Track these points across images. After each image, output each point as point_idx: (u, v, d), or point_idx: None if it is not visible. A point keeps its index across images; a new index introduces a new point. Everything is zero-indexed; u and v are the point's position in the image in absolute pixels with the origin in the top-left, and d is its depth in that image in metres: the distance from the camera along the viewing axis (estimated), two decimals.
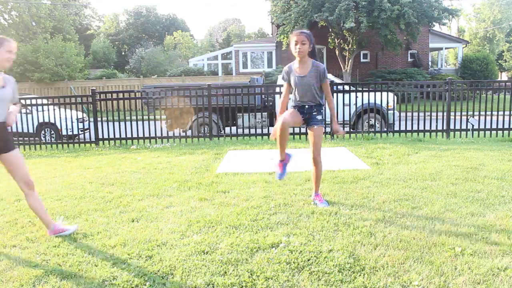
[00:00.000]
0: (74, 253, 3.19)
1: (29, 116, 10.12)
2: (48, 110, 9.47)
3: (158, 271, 2.82)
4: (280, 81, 11.41)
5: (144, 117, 10.43)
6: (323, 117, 4.16)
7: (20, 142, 9.49)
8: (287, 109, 4.19)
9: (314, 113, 4.06)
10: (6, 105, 3.40)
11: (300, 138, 9.14)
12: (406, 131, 9.10)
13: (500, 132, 8.95)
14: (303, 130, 9.82)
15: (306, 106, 4.06)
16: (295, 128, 9.89)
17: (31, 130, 9.86)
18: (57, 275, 2.81)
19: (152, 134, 9.68)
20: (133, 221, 3.87)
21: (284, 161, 4.17)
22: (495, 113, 8.96)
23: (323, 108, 4.15)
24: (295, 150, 7.53)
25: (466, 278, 2.63)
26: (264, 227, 3.57)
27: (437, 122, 8.94)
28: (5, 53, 3.24)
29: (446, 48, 29.32)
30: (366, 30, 19.05)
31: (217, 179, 5.43)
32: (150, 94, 9.42)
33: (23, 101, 9.95)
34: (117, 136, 9.32)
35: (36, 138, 9.86)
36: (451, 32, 41.18)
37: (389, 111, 9.89)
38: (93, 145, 9.38)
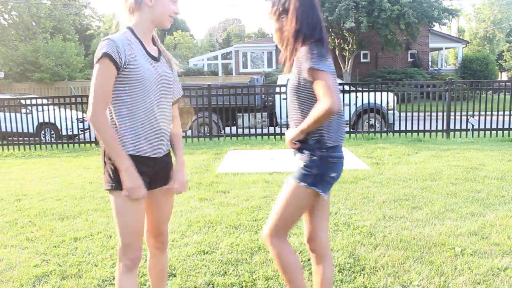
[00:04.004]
0: (74, 253, 3.19)
1: (29, 116, 10.12)
2: (48, 110, 9.46)
3: None
4: (281, 81, 11.37)
5: None
6: (313, 156, 1.91)
7: (20, 142, 9.49)
8: None
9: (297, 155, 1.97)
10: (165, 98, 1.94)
11: None
12: (406, 131, 9.10)
13: (500, 132, 8.95)
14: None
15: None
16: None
17: (31, 130, 9.85)
18: (57, 275, 2.81)
19: None
20: None
21: None
22: (495, 113, 8.95)
23: (317, 141, 1.91)
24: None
25: (466, 278, 2.63)
26: None
27: (437, 122, 8.94)
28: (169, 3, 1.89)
29: (446, 48, 29.31)
30: (366, 30, 19.06)
31: (217, 179, 5.43)
32: None
33: (23, 101, 9.97)
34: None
35: (36, 138, 9.85)
36: (451, 32, 41.16)
37: (389, 111, 9.88)
38: (93, 145, 9.38)
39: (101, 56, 1.75)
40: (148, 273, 2.19)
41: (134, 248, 1.89)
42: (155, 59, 1.91)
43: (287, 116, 2.05)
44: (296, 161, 1.96)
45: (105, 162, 1.86)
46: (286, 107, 2.05)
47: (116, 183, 1.82)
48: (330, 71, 1.82)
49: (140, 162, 1.84)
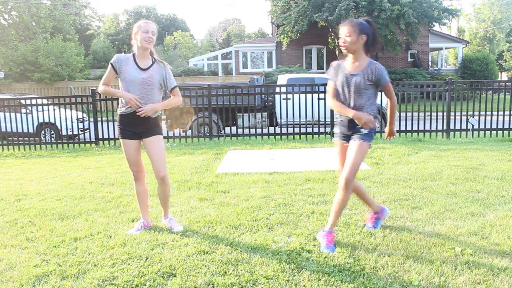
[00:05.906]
0: (74, 253, 3.19)
1: (29, 116, 10.12)
2: (48, 110, 9.47)
3: (158, 271, 2.82)
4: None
5: None
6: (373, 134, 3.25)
7: (20, 142, 9.49)
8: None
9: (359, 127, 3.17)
10: (152, 90, 3.51)
11: (300, 138, 9.13)
12: (406, 131, 9.10)
13: (500, 132, 8.95)
14: (303, 129, 9.80)
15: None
16: (295, 128, 9.88)
17: (31, 130, 9.85)
18: (57, 275, 2.81)
19: None
20: (133, 221, 3.87)
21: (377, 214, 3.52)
22: (495, 113, 8.95)
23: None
24: (296, 150, 7.53)
25: (466, 278, 2.63)
26: (264, 227, 3.57)
27: (437, 122, 8.94)
28: (142, 34, 3.41)
29: (446, 48, 29.32)
30: None
31: (217, 179, 5.43)
32: None
33: (23, 101, 9.96)
34: (117, 136, 9.31)
35: (36, 138, 9.85)
36: (451, 32, 41.16)
37: None
38: (93, 145, 9.37)
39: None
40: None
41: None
42: (142, 69, 3.46)
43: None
44: (361, 129, 3.17)
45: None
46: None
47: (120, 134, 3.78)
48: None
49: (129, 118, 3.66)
